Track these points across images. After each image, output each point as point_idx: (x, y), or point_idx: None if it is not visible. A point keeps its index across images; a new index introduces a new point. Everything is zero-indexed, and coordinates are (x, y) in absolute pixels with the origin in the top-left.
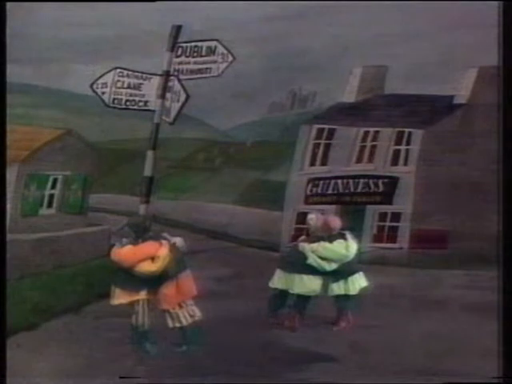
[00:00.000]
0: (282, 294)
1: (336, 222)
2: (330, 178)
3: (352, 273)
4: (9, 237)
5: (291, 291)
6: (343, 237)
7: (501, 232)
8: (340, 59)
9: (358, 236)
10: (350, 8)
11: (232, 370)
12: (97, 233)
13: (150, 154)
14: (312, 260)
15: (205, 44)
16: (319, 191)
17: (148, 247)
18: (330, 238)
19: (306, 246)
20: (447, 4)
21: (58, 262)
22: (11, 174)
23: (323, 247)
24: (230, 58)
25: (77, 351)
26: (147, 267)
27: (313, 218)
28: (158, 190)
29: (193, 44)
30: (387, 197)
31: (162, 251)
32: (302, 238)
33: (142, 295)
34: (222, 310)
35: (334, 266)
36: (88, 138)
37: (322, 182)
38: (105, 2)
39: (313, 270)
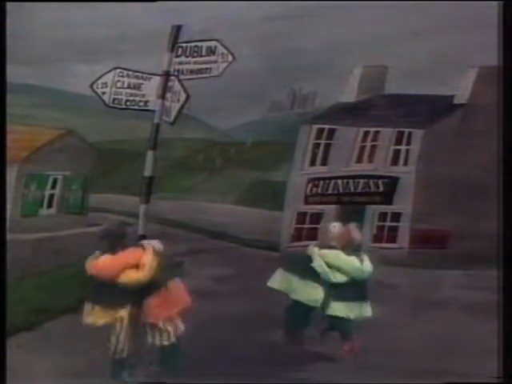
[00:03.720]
0: (303, 308)
1: (357, 234)
2: (330, 178)
3: (359, 298)
4: (9, 237)
5: (290, 296)
6: (359, 256)
7: (501, 232)
8: (340, 59)
9: None
10: (350, 8)
11: (228, 370)
12: (97, 233)
13: (150, 153)
14: (317, 264)
15: (205, 44)
16: (319, 191)
17: (129, 254)
18: (346, 251)
19: (315, 250)
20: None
21: (58, 262)
22: (11, 174)
23: (335, 254)
24: (230, 58)
25: (77, 351)
26: (132, 275)
27: (336, 226)
28: (158, 189)
29: (193, 44)
30: (387, 197)
31: (147, 257)
32: (316, 243)
33: (126, 311)
34: (222, 308)
35: (338, 279)
36: (88, 138)
37: (321, 181)
38: (105, 2)
39: (315, 277)
